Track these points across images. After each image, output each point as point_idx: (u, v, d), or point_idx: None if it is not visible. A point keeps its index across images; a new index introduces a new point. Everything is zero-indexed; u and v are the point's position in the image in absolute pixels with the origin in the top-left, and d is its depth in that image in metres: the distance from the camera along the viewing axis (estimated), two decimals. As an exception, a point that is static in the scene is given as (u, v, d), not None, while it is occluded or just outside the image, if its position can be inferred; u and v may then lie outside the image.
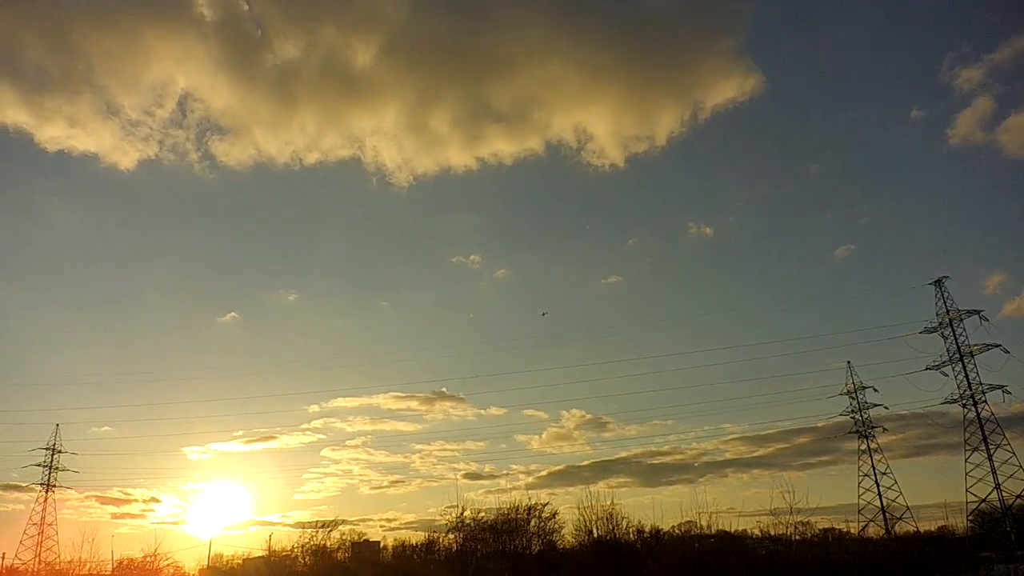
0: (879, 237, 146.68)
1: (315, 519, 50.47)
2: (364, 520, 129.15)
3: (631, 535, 41.27)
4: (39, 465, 79.92)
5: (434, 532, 39.70)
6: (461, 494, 62.39)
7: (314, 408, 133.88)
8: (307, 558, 45.88)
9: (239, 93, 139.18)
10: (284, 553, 47.87)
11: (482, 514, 37.00)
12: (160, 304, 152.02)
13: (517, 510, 36.18)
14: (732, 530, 49.11)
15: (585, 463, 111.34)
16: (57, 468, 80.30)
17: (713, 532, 43.23)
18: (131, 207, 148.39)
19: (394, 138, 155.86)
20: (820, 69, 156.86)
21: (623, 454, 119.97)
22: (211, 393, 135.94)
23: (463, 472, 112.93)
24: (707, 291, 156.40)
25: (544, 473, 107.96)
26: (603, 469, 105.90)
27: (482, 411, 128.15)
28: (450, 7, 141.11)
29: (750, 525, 51.85)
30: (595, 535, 37.76)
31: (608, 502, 38.52)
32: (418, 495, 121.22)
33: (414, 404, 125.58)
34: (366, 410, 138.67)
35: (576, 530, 38.32)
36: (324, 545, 48.87)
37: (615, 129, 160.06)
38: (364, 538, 55.53)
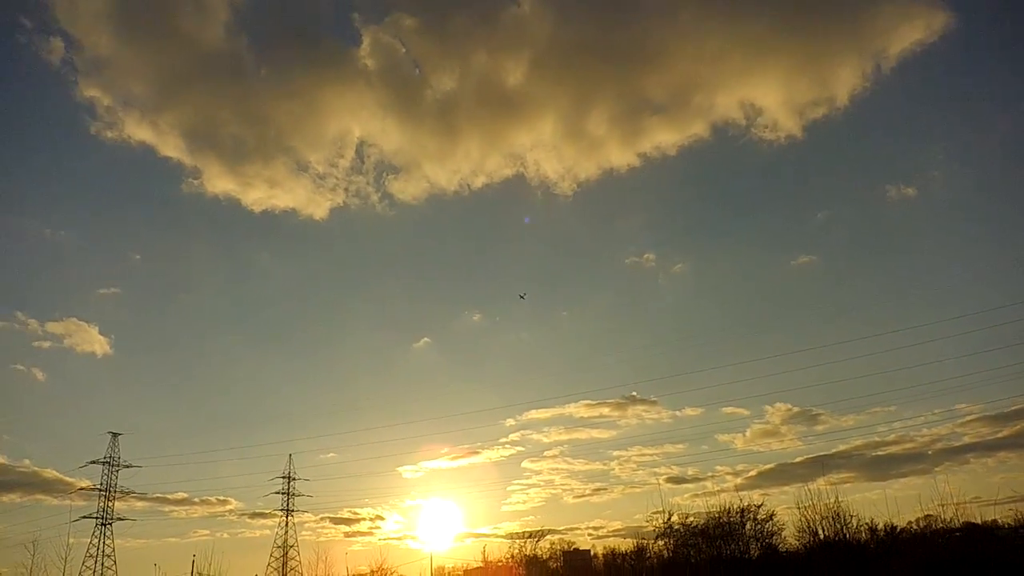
0: None
1: (524, 530, 51.06)
2: (571, 529, 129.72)
3: (863, 534, 37.52)
4: (278, 493, 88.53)
5: (642, 539, 38.45)
6: (666, 499, 60.48)
7: (510, 422, 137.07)
8: (521, 568, 46.43)
9: (407, 132, 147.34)
10: (499, 563, 48.86)
11: (691, 519, 35.29)
12: (361, 337, 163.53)
13: (729, 513, 33.97)
14: (980, 521, 43.18)
15: (798, 460, 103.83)
16: (294, 494, 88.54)
17: (958, 525, 38.24)
18: (328, 252, 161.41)
19: (553, 149, 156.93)
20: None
21: (841, 447, 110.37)
22: (416, 415, 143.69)
23: (665, 476, 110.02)
24: (917, 258, 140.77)
25: (753, 473, 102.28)
26: (820, 465, 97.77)
27: (677, 412, 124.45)
28: (592, 7, 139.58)
29: (1001, 514, 45.26)
30: (821, 536, 34.67)
31: (832, 500, 35.26)
32: (622, 502, 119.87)
33: (606, 411, 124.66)
34: (560, 420, 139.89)
35: (799, 532, 35.40)
36: (536, 554, 49.47)
37: (787, 98, 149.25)
38: (574, 547, 55.54)
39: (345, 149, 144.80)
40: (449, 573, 57.09)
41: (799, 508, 35.20)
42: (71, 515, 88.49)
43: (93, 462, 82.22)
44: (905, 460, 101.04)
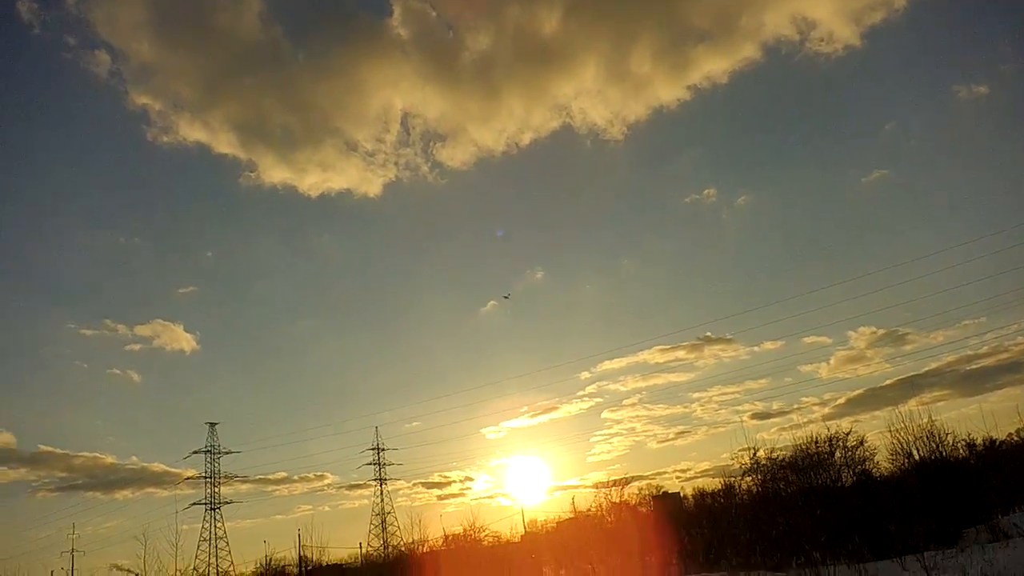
0: None
1: (610, 478, 51.38)
2: (659, 474, 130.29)
3: (960, 451, 36.32)
4: (370, 464, 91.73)
5: (729, 477, 38.17)
6: (751, 436, 59.95)
7: (585, 375, 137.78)
8: (611, 515, 46.93)
9: (448, 97, 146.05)
10: (589, 512, 49.59)
11: (777, 452, 34.87)
12: (428, 306, 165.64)
13: (817, 443, 33.29)
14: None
15: (887, 383, 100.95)
16: (384, 464, 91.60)
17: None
18: (386, 227, 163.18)
19: (598, 94, 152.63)
20: None
21: (932, 365, 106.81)
22: (491, 377, 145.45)
23: (749, 413, 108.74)
24: (994, 158, 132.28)
25: (841, 401, 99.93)
26: (911, 385, 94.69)
27: (755, 348, 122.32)
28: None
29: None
30: (916, 457, 33.72)
31: (925, 420, 34.17)
32: (706, 443, 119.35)
33: (681, 354, 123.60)
34: (635, 368, 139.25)
35: (892, 455, 34.46)
36: (626, 501, 49.88)
37: (841, 5, 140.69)
38: (663, 491, 55.68)
39: (390, 123, 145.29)
40: (541, 525, 58.15)
41: (891, 431, 34.28)
42: (181, 504, 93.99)
43: (196, 452, 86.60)
44: (1000, 371, 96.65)
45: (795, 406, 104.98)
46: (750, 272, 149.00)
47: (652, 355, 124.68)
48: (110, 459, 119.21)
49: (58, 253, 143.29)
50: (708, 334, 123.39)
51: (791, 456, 34.07)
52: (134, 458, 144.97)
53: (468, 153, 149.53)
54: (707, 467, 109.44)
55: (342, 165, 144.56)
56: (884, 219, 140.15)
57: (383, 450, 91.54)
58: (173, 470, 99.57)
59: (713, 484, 51.00)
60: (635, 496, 53.48)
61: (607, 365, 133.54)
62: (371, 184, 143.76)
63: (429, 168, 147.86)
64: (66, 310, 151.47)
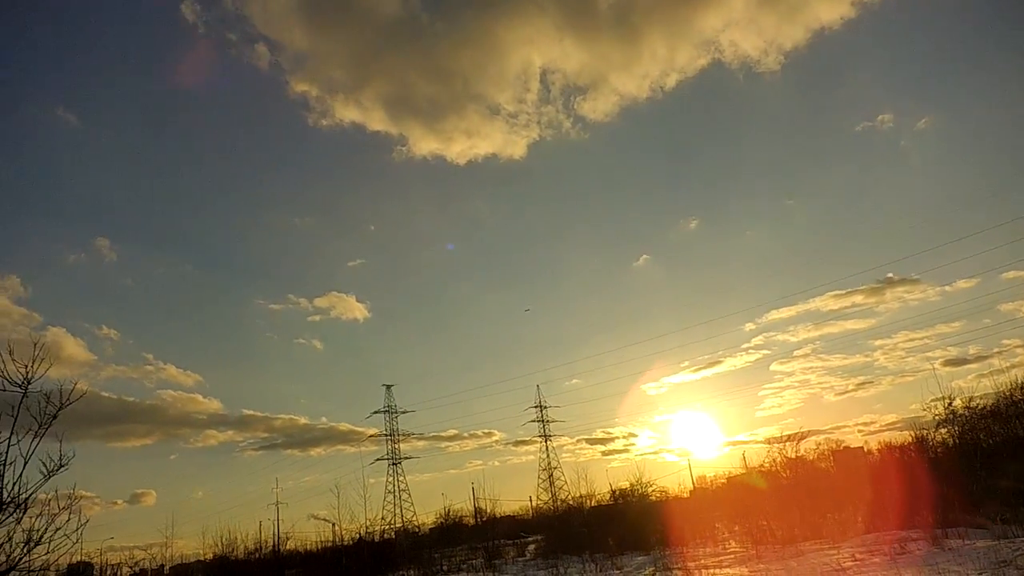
0: None
1: (783, 433, 48.85)
2: (838, 428, 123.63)
3: None
4: (534, 421, 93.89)
5: (921, 429, 34.83)
6: (944, 384, 54.53)
7: (750, 326, 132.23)
8: (786, 471, 44.64)
9: (586, 47, 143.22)
10: (762, 468, 47.36)
11: (976, 401, 31.29)
12: (582, 264, 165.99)
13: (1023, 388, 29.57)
14: None
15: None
16: (548, 421, 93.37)
17: None
18: (534, 187, 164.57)
19: (750, 23, 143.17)
20: None
21: None
22: (648, 332, 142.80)
23: (941, 360, 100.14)
24: None
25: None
26: None
27: (946, 288, 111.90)
28: None
29: None
30: None
31: None
32: (892, 393, 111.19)
33: (858, 298, 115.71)
34: (806, 316, 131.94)
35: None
36: (802, 456, 47.08)
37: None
38: (843, 445, 52.16)
39: (529, 82, 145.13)
40: (711, 481, 56.60)
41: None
42: (365, 460, 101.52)
43: (376, 412, 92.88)
44: None
45: (995, 350, 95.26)
46: (937, 203, 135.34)
47: (824, 302, 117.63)
48: (303, 420, 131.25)
49: (243, 236, 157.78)
50: (890, 275, 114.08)
51: (994, 404, 30.58)
52: (323, 419, 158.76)
53: (611, 104, 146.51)
54: (894, 419, 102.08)
55: (486, 130, 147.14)
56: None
57: (545, 407, 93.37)
58: (358, 429, 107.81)
59: (901, 437, 47.12)
60: (812, 451, 50.58)
61: (774, 315, 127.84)
62: (515, 146, 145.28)
63: (572, 123, 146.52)
64: (254, 287, 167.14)
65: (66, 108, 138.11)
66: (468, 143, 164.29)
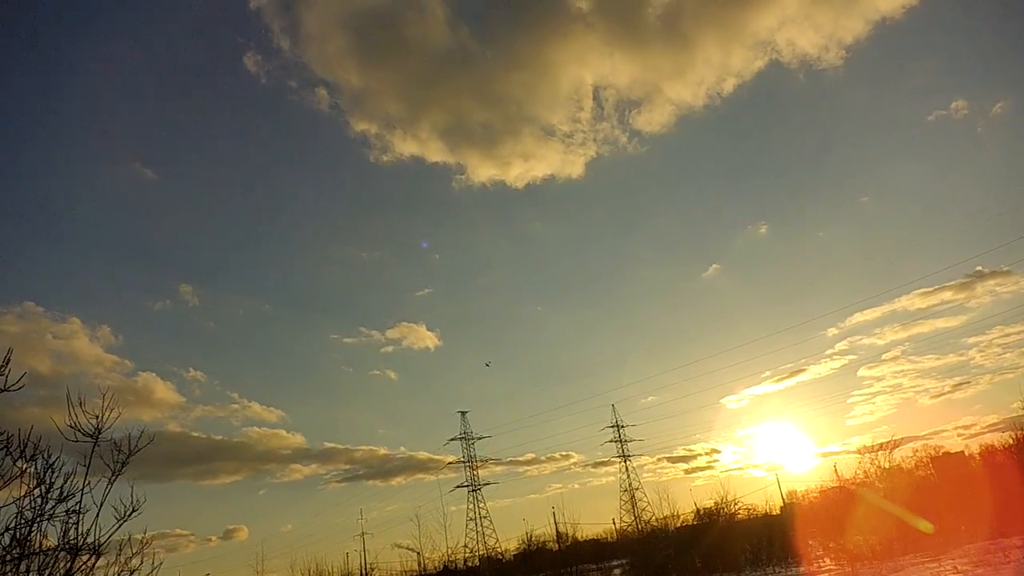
0: None
1: (875, 442, 46.59)
2: (936, 432, 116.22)
3: None
4: (612, 441, 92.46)
5: (1027, 429, 32.65)
6: (1052, 379, 51.22)
7: (832, 331, 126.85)
8: (882, 481, 42.51)
9: (637, 59, 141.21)
10: (855, 480, 45.29)
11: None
12: (649, 279, 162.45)
13: None
14: None
15: None
16: (626, 440, 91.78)
17: None
18: (594, 205, 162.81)
19: (805, 19, 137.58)
20: None
21: None
22: (724, 344, 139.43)
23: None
24: None
25: None
26: None
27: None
28: None
29: None
30: None
31: None
32: (991, 393, 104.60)
33: (947, 295, 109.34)
34: (892, 317, 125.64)
35: None
36: (898, 465, 44.87)
37: None
38: (942, 451, 49.39)
39: (582, 100, 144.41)
40: (803, 496, 54.43)
41: None
42: (444, 487, 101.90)
43: (452, 439, 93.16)
44: None
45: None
46: (1022, 190, 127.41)
47: (911, 301, 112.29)
48: (383, 450, 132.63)
49: (315, 273, 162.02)
50: (979, 268, 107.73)
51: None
52: (402, 448, 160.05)
53: (666, 114, 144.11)
54: (995, 420, 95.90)
55: (543, 152, 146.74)
56: None
57: (623, 427, 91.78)
58: (436, 457, 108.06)
59: (1002, 439, 44.31)
60: (909, 459, 48.07)
61: (857, 318, 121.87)
62: (573, 165, 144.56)
63: (628, 138, 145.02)
64: (328, 323, 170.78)
65: (143, 163, 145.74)
66: (525, 166, 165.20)
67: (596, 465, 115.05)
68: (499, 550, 78.75)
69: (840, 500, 46.94)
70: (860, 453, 47.19)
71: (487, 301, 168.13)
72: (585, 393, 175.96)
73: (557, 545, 56.10)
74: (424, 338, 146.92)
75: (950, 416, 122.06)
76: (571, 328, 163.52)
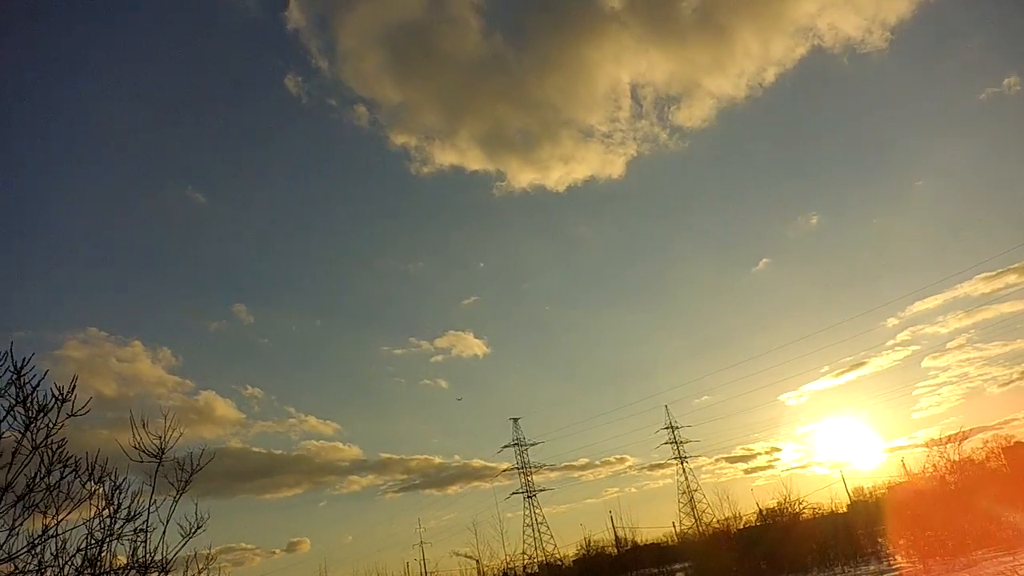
0: None
1: (944, 434, 45.03)
2: (1007, 422, 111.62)
3: None
4: (667, 443, 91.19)
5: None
6: None
7: (892, 321, 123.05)
8: (952, 475, 41.05)
9: (674, 54, 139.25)
10: (924, 474, 43.77)
11: None
12: (698, 276, 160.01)
13: None
14: None
15: None
16: (681, 441, 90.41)
17: None
18: (637, 204, 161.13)
19: (846, 3, 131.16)
20: None
21: None
22: (780, 340, 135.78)
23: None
24: None
25: None
26: None
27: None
28: None
29: None
30: None
31: None
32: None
33: (1012, 278, 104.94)
34: (955, 304, 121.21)
35: None
36: (969, 457, 43.21)
37: None
38: (1014, 441, 47.52)
39: (620, 99, 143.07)
40: (870, 493, 52.93)
41: None
42: (499, 495, 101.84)
43: (506, 446, 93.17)
44: None
45: None
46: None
47: (974, 286, 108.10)
48: (438, 459, 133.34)
49: (363, 287, 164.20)
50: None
51: None
52: (457, 456, 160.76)
53: (707, 108, 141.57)
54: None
55: (582, 154, 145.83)
56: None
57: (677, 428, 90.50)
58: (490, 464, 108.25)
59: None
60: (980, 451, 46.33)
61: (918, 306, 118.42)
62: (613, 165, 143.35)
63: (668, 135, 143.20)
64: (378, 335, 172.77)
65: (194, 188, 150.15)
66: (565, 169, 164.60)
67: (652, 468, 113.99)
68: (558, 556, 78.57)
69: (910, 495, 45.49)
70: (928, 446, 45.58)
71: (533, 306, 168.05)
72: (637, 395, 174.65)
73: (616, 550, 55.70)
74: (472, 346, 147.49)
75: (1021, 404, 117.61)
76: (620, 330, 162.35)
